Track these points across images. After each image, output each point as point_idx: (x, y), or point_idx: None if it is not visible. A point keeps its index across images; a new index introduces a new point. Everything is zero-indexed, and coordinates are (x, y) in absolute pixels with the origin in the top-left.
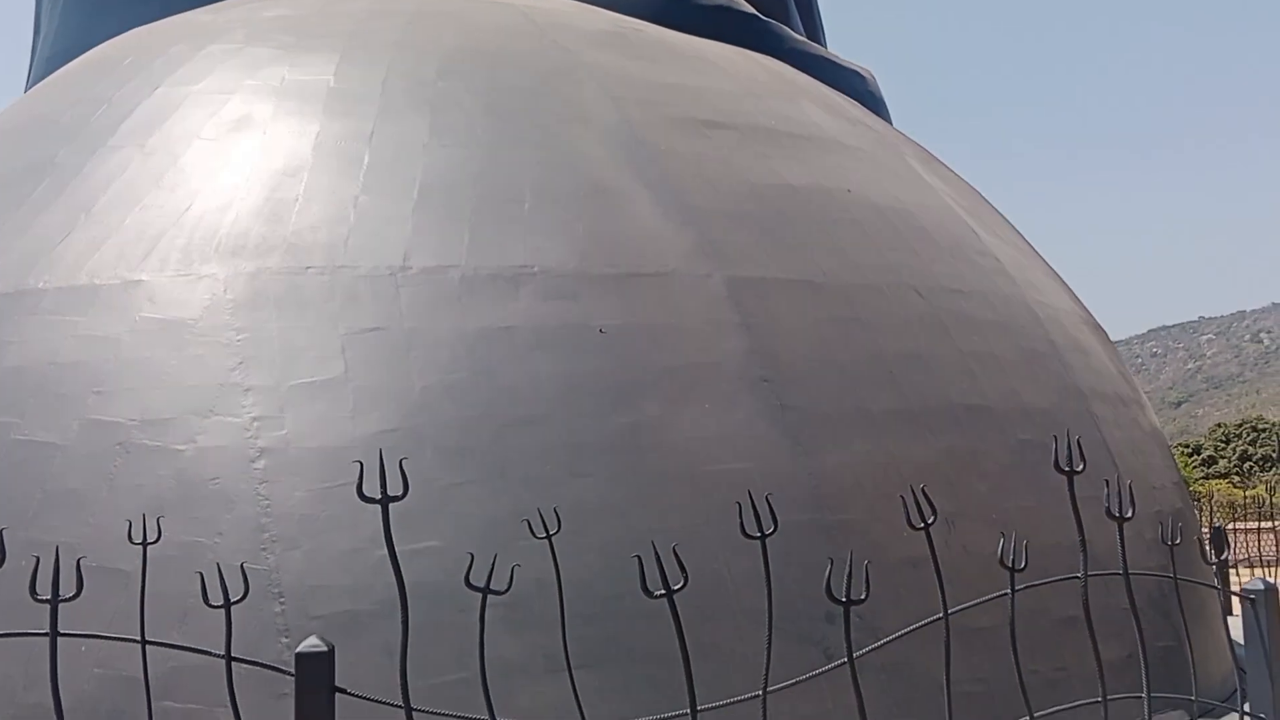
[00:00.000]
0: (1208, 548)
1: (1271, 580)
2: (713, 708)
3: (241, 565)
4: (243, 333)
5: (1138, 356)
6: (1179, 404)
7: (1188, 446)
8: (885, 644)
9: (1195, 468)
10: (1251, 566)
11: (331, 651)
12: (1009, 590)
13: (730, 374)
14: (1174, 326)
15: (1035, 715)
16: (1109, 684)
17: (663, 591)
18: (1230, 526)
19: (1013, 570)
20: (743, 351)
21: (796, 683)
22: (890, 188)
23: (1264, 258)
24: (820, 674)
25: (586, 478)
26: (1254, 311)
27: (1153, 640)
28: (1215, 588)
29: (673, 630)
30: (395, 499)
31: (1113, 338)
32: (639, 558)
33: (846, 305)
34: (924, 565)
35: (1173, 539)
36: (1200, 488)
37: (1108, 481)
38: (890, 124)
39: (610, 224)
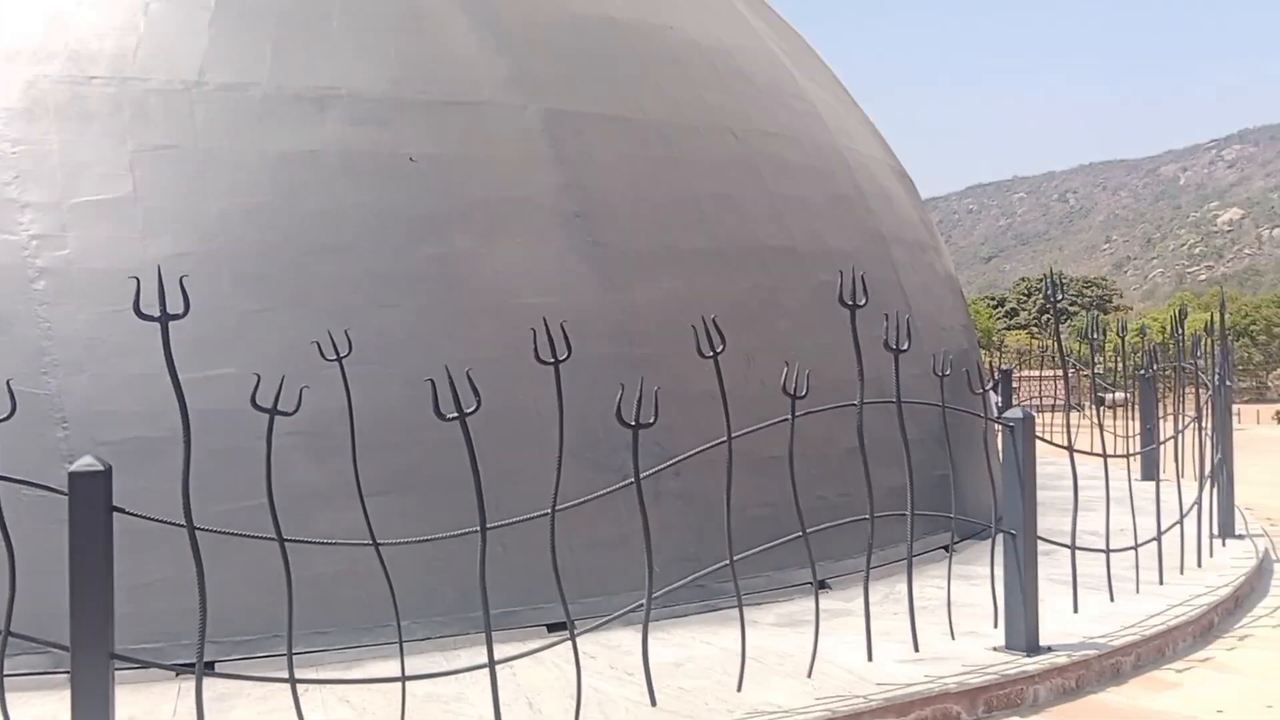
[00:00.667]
0: (972, 379)
1: (1032, 411)
2: (500, 525)
3: (8, 383)
4: (18, 145)
5: (955, 212)
6: (989, 259)
7: (994, 299)
8: (669, 466)
9: (999, 319)
10: (1040, 411)
11: (108, 471)
12: (790, 416)
13: (543, 208)
14: (990, 185)
15: (809, 531)
16: (891, 506)
17: (455, 415)
18: (1018, 373)
19: (794, 397)
20: (556, 186)
21: (584, 501)
22: (712, 27)
23: (1074, 121)
24: (607, 494)
25: (393, 308)
26: (1063, 172)
27: (932, 469)
28: (979, 415)
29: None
30: (175, 317)
31: (934, 194)
32: (432, 381)
33: (662, 144)
34: (726, 397)
35: (942, 370)
36: (1002, 338)
37: (886, 315)
38: None
39: (424, 49)
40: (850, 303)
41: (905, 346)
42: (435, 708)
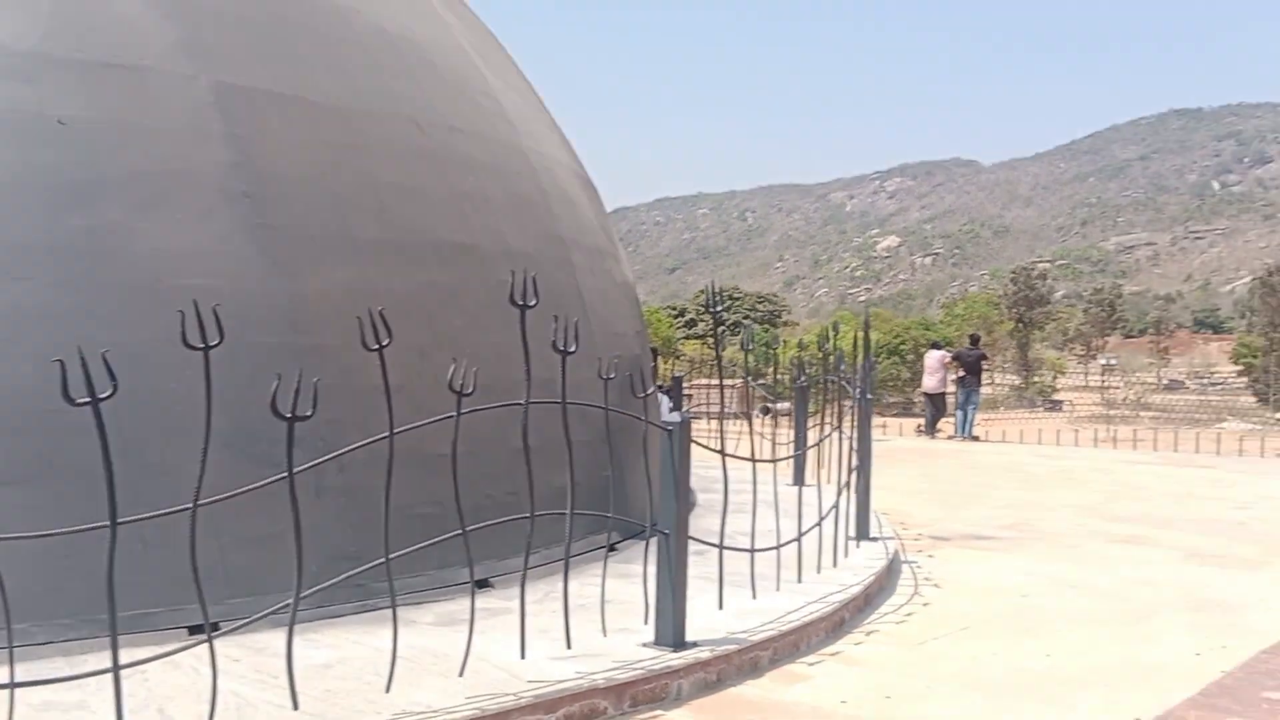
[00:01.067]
0: (634, 383)
1: (690, 416)
2: (133, 520)
3: None
4: None
5: (643, 223)
6: (673, 270)
7: (675, 309)
8: (328, 460)
9: (679, 329)
10: (709, 419)
11: None
12: (455, 413)
13: (209, 185)
14: (677, 199)
15: (469, 530)
16: (558, 506)
17: (86, 399)
18: (691, 381)
19: (459, 394)
20: (225, 163)
21: (230, 496)
22: (401, 15)
23: (756, 144)
24: (255, 489)
25: (27, 281)
26: (743, 192)
27: (599, 470)
28: (638, 418)
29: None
30: None
31: (623, 204)
32: (61, 362)
33: (343, 129)
34: (397, 393)
35: (607, 374)
36: (680, 347)
37: (556, 317)
38: None
39: (81, 4)
40: (520, 303)
41: (573, 349)
42: (54, 716)
